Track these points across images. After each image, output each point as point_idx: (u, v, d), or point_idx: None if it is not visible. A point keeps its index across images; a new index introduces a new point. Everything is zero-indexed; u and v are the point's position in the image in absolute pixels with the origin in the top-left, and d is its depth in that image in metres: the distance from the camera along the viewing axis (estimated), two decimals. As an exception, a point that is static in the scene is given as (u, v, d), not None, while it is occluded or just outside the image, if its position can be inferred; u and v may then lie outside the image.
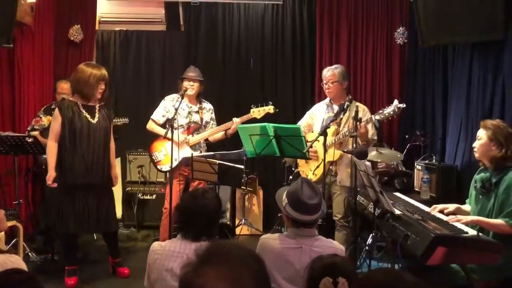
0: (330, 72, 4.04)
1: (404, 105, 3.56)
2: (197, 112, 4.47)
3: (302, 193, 2.27)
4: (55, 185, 3.70)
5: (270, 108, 4.38)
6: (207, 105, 4.58)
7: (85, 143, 3.72)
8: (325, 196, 3.62)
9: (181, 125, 4.33)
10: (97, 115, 3.80)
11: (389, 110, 3.57)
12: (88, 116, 3.75)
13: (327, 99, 4.17)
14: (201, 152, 4.41)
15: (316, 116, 4.17)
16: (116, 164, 4.13)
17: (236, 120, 4.35)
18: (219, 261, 1.02)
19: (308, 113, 4.28)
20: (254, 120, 4.35)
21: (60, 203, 3.74)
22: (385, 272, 1.32)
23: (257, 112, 4.38)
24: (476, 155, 2.99)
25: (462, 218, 2.81)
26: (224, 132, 4.45)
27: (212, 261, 1.02)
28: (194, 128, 4.43)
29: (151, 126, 4.48)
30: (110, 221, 3.91)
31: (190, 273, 1.00)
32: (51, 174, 3.69)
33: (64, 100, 4.44)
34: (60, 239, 3.91)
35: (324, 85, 4.07)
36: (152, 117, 4.49)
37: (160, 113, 4.46)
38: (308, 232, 2.31)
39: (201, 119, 4.46)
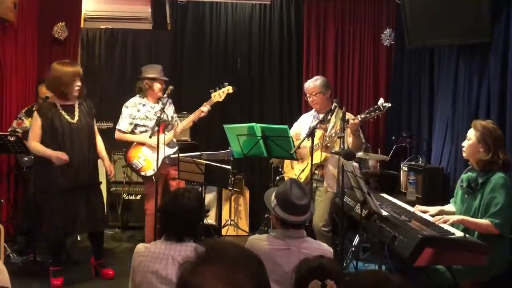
0: (311, 85, 4.06)
1: (390, 104, 3.56)
2: (161, 110, 4.37)
3: (291, 193, 2.25)
4: (65, 158, 3.59)
5: (228, 89, 4.32)
6: (165, 99, 4.31)
7: (68, 144, 3.65)
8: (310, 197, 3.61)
9: (151, 127, 4.19)
10: (77, 114, 3.73)
11: (374, 108, 3.57)
12: (67, 116, 3.68)
13: (313, 110, 4.17)
14: (178, 149, 4.32)
15: (303, 126, 4.17)
16: (107, 158, 4.05)
17: (205, 108, 4.28)
18: (217, 260, 1.01)
19: (295, 124, 4.29)
20: (238, 119, 4.32)
21: (49, 206, 3.67)
22: (372, 274, 1.31)
23: (218, 95, 4.31)
24: (464, 154, 3.01)
25: (449, 218, 2.83)
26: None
27: (209, 260, 1.01)
28: (163, 126, 4.31)
29: (119, 136, 4.31)
30: (100, 220, 3.89)
31: (187, 272, 0.99)
32: (56, 153, 3.57)
33: (49, 98, 4.37)
34: (48, 240, 3.84)
35: (308, 98, 4.09)
36: (119, 127, 4.31)
37: (127, 121, 4.29)
38: (297, 233, 2.29)
39: (167, 115, 4.37)
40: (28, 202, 4.54)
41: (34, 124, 3.68)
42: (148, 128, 4.15)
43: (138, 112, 4.26)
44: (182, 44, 5.76)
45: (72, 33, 5.38)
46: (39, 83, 4.84)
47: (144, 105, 4.24)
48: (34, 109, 4.37)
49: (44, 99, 4.27)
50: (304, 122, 4.19)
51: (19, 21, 4.87)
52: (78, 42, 5.55)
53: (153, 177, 4.19)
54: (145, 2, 5.79)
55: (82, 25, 5.69)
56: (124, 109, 4.33)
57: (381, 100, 3.58)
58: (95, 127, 3.95)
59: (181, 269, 1.01)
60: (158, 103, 4.39)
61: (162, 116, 3.96)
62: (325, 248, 2.29)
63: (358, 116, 3.67)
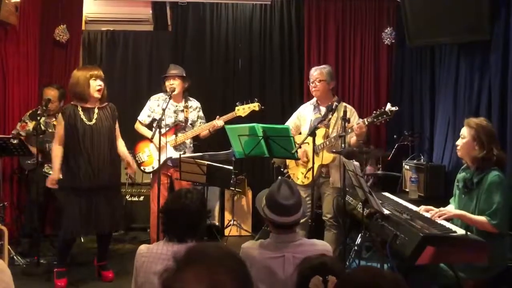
0: (317, 71, 4.05)
1: (397, 108, 3.56)
2: (182, 111, 4.44)
3: (278, 194, 2.21)
4: (56, 186, 3.75)
5: (255, 105, 4.32)
6: (194, 103, 4.54)
7: (88, 145, 3.72)
8: (314, 196, 3.62)
9: (167, 125, 4.30)
10: (95, 117, 3.77)
11: (381, 113, 3.57)
12: (84, 118, 3.74)
13: (314, 99, 4.16)
14: (185, 152, 4.37)
15: (303, 117, 4.16)
16: (132, 160, 4.12)
17: (219, 122, 4.30)
18: (196, 263, 1.00)
19: (295, 114, 4.27)
20: (242, 120, 4.33)
21: (68, 207, 3.72)
22: (366, 270, 1.32)
23: (242, 110, 4.32)
24: (459, 153, 3.00)
25: (447, 212, 2.84)
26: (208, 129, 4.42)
27: (189, 263, 1.00)
28: (178, 127, 4.39)
29: (137, 127, 4.49)
30: (117, 222, 3.96)
31: (169, 278, 0.99)
32: (55, 176, 3.72)
33: (51, 101, 4.39)
34: (59, 241, 3.88)
35: (311, 83, 4.07)
36: (138, 118, 4.49)
37: (146, 113, 4.46)
38: (289, 238, 2.23)
39: (186, 118, 4.42)
40: (32, 204, 4.56)
41: (58, 126, 3.78)
42: (164, 125, 4.17)
43: (157, 107, 4.34)
44: (183, 45, 5.77)
45: (73, 36, 5.40)
46: (44, 86, 4.85)
47: (166, 103, 4.26)
48: (38, 112, 4.41)
49: (46, 101, 4.31)
50: (304, 113, 4.17)
51: (20, 24, 4.89)
52: (80, 45, 5.58)
53: (151, 174, 4.25)
54: (145, 4, 5.80)
55: (83, 28, 5.71)
56: (147, 102, 4.49)
57: (389, 105, 3.56)
58: (117, 130, 4.00)
59: (162, 278, 0.99)
60: (181, 102, 4.46)
61: (163, 117, 3.99)
62: (320, 248, 2.23)
63: (365, 119, 3.65)
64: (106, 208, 3.79)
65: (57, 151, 3.75)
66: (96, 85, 3.76)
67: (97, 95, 3.78)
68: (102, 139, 3.78)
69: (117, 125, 4.00)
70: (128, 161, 4.01)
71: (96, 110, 3.80)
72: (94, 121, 3.76)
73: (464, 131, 2.94)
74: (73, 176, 3.70)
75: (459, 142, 2.96)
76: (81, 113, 3.74)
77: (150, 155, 4.36)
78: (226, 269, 0.99)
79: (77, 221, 3.69)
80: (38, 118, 4.33)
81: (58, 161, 3.73)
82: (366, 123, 3.63)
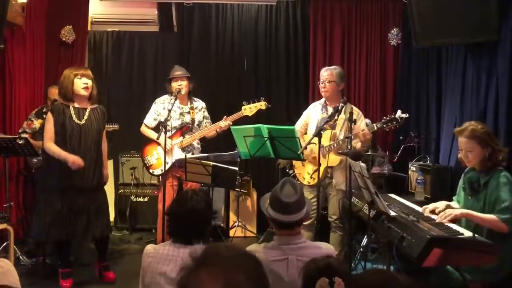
0: (328, 72, 4.04)
1: (407, 115, 3.55)
2: (188, 112, 4.44)
3: (281, 192, 2.19)
4: (82, 164, 3.61)
5: (262, 104, 4.32)
6: (199, 104, 4.55)
7: (75, 144, 3.69)
8: (319, 198, 3.61)
9: (174, 127, 4.31)
10: (85, 117, 3.75)
11: (391, 119, 3.56)
12: (75, 117, 3.71)
13: (322, 100, 4.15)
14: (193, 153, 4.39)
15: (311, 116, 4.15)
16: (107, 165, 4.06)
17: (226, 122, 4.30)
18: (212, 262, 1.01)
19: (305, 113, 4.26)
20: (248, 121, 4.32)
21: (50, 207, 3.67)
22: (380, 273, 1.31)
23: (248, 109, 4.33)
24: (470, 165, 2.94)
25: (454, 212, 2.81)
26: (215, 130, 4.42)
27: (205, 263, 1.01)
28: (185, 129, 4.41)
29: (143, 130, 4.50)
30: (104, 227, 3.86)
31: (185, 277, 1.00)
32: (72, 157, 3.58)
33: (57, 101, 4.41)
34: (54, 242, 3.87)
35: (321, 84, 4.06)
36: (144, 121, 4.50)
37: (152, 117, 4.46)
38: (293, 240, 2.20)
39: (192, 119, 4.43)
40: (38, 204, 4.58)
41: (48, 125, 3.73)
42: (169, 127, 4.17)
43: (163, 110, 4.34)
44: (188, 45, 5.78)
45: (79, 36, 5.42)
46: (48, 85, 4.89)
47: (171, 104, 4.26)
48: (44, 110, 4.43)
49: (53, 101, 4.32)
50: (313, 112, 4.15)
51: (27, 25, 4.91)
52: (85, 45, 5.59)
53: (160, 177, 4.24)
54: (151, 5, 5.81)
55: (89, 28, 5.73)
56: (152, 105, 4.50)
57: (399, 112, 3.56)
58: (104, 133, 3.96)
59: (180, 275, 1.01)
60: (187, 104, 4.45)
61: (169, 117, 3.99)
62: (324, 251, 2.19)
63: (375, 125, 3.65)
64: (89, 212, 3.72)
65: (53, 146, 3.65)
66: (81, 83, 3.73)
67: (83, 92, 3.75)
68: (90, 140, 3.74)
69: (104, 129, 3.96)
70: (106, 172, 3.94)
71: (87, 112, 3.78)
72: (84, 121, 3.74)
73: (466, 144, 2.89)
74: (57, 175, 3.65)
75: (468, 156, 2.89)
76: (72, 111, 3.72)
77: (158, 158, 4.37)
78: (241, 268, 1.00)
79: (48, 224, 3.61)
80: (44, 116, 4.34)
81: (59, 149, 3.62)
82: (376, 128, 3.62)
